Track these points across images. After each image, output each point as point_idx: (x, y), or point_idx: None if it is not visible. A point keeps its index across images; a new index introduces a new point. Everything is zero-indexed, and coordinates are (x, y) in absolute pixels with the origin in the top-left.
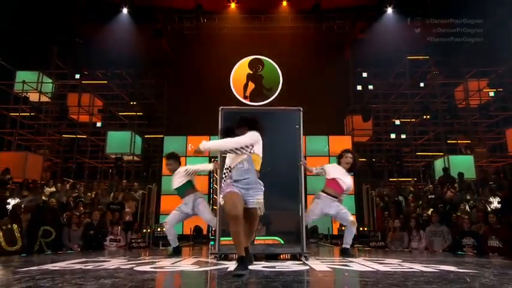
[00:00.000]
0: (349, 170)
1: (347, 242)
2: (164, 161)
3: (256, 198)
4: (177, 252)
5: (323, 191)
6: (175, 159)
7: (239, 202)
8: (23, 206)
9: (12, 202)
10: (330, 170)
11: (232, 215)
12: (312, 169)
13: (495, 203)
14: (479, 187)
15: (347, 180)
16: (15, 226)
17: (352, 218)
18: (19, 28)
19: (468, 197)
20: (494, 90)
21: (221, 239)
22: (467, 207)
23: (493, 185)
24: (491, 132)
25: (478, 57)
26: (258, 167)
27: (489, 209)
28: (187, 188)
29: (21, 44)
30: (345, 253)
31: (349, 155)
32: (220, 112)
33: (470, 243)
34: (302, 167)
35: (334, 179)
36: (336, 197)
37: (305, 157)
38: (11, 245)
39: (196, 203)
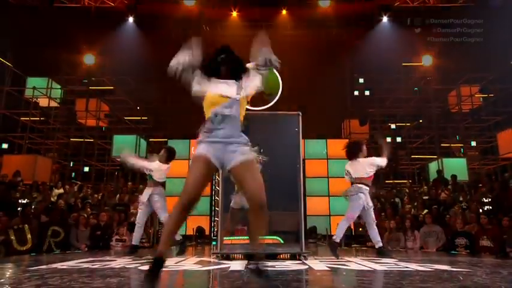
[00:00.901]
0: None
1: (377, 240)
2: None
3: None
4: (182, 247)
5: (364, 184)
6: (169, 154)
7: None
8: (33, 207)
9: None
10: (355, 169)
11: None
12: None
13: (487, 204)
14: (471, 189)
15: (377, 163)
16: (26, 226)
17: (373, 217)
18: (30, 37)
19: (461, 199)
20: (486, 95)
21: (223, 238)
22: (460, 208)
23: (485, 187)
24: (483, 136)
25: (470, 64)
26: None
27: (481, 210)
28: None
29: (32, 51)
30: (382, 253)
31: (364, 147)
32: None
33: (463, 243)
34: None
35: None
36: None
37: (304, 160)
38: (21, 245)
39: (152, 198)
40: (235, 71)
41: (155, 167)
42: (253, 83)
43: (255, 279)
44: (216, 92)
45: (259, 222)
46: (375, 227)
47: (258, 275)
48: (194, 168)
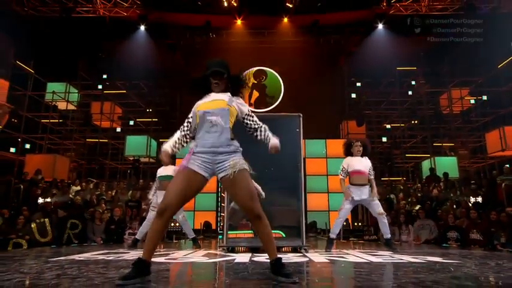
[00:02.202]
0: (362, 155)
1: (386, 232)
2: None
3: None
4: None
5: (350, 183)
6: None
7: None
8: (52, 202)
9: (42, 199)
10: (347, 164)
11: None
12: (346, 188)
13: (476, 200)
14: (462, 185)
15: (364, 163)
16: (47, 220)
17: (381, 210)
18: (50, 46)
19: (452, 195)
20: (475, 98)
21: (228, 232)
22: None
23: (474, 184)
24: (473, 136)
25: (460, 68)
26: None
27: (471, 205)
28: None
29: (52, 59)
30: (388, 245)
31: (358, 143)
32: None
33: (454, 237)
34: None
35: (354, 170)
36: (363, 184)
37: (304, 158)
38: (43, 237)
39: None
40: (230, 85)
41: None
42: (244, 107)
43: (258, 271)
44: (207, 100)
45: (262, 229)
46: (381, 218)
47: (285, 277)
48: (177, 179)
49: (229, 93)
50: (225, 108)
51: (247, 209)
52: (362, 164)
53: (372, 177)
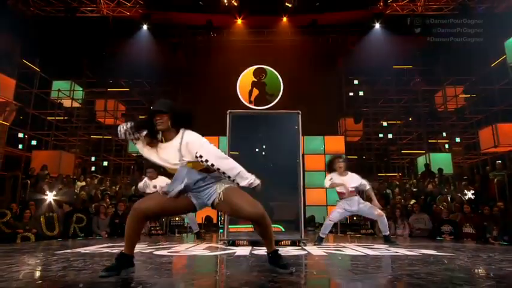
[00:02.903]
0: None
1: (384, 230)
2: None
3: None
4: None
5: (340, 198)
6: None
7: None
8: (58, 197)
9: (49, 194)
10: (331, 183)
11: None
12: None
13: (469, 194)
14: (456, 181)
15: (349, 181)
16: (55, 215)
17: (378, 211)
18: (56, 44)
19: (446, 190)
20: (469, 95)
21: (229, 226)
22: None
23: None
24: (466, 133)
25: (455, 66)
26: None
27: (464, 200)
28: None
29: (57, 57)
30: (387, 240)
31: (340, 159)
32: (228, 115)
33: (448, 230)
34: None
35: (339, 192)
36: (350, 197)
37: (303, 155)
38: (50, 231)
39: None
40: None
41: None
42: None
43: (258, 264)
44: (159, 162)
45: (265, 226)
46: (382, 219)
47: (282, 268)
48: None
49: (175, 143)
50: (182, 165)
51: (253, 216)
52: (346, 184)
53: (368, 187)
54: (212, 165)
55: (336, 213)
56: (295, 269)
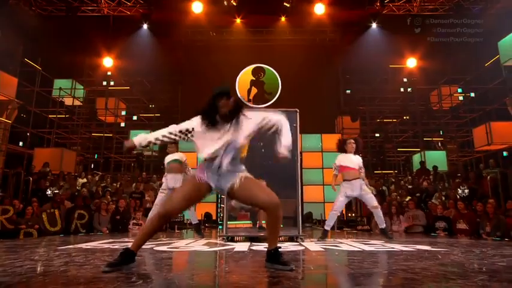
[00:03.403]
0: (355, 153)
1: (381, 223)
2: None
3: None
4: (198, 230)
5: (343, 179)
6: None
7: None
8: (60, 193)
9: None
10: (339, 160)
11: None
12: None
13: (463, 191)
14: (450, 178)
15: (355, 160)
16: (56, 211)
17: (375, 203)
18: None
19: (441, 187)
20: (463, 95)
21: (228, 223)
22: (443, 196)
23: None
24: (461, 131)
25: (450, 66)
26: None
27: (458, 196)
28: None
29: (59, 56)
30: (383, 233)
31: (352, 140)
32: None
33: (442, 226)
34: (298, 161)
35: (343, 166)
36: (354, 178)
37: (301, 152)
38: (52, 226)
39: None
40: (232, 116)
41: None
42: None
43: (257, 259)
44: (219, 144)
45: (276, 218)
46: (376, 212)
47: (282, 265)
48: (186, 186)
49: (230, 124)
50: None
51: (268, 204)
52: (353, 161)
53: (363, 174)
54: (275, 123)
55: (339, 203)
56: (294, 266)
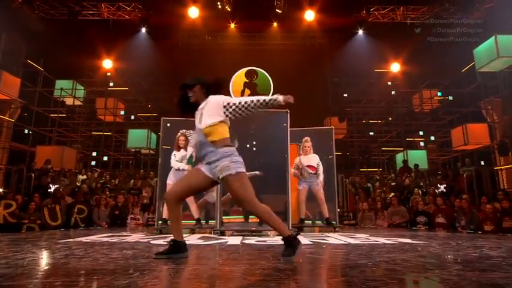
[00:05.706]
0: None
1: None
2: None
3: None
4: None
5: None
6: None
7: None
8: (61, 189)
9: (53, 187)
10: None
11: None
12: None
13: (442, 188)
14: (430, 176)
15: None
16: (57, 206)
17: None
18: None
19: (421, 184)
20: (442, 98)
21: (223, 217)
22: (420, 192)
23: (441, 174)
24: (440, 132)
25: (430, 71)
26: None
27: (437, 193)
28: None
29: (60, 58)
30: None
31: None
32: None
33: (423, 221)
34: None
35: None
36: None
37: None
38: (53, 221)
39: None
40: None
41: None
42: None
43: (249, 252)
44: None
45: (261, 218)
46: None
47: (284, 256)
48: (188, 174)
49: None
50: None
51: (242, 205)
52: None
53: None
54: (239, 103)
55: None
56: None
